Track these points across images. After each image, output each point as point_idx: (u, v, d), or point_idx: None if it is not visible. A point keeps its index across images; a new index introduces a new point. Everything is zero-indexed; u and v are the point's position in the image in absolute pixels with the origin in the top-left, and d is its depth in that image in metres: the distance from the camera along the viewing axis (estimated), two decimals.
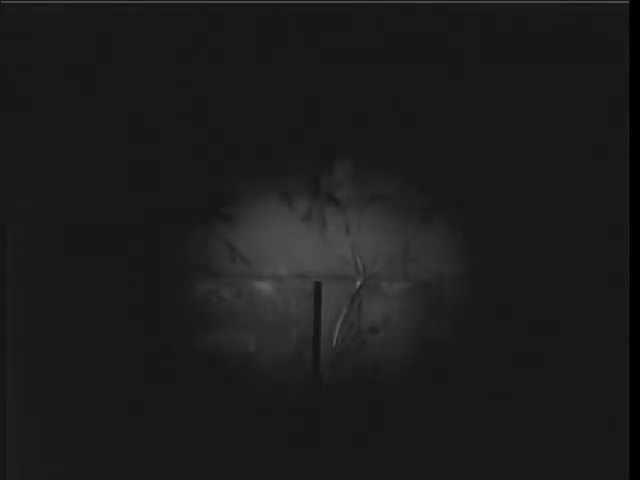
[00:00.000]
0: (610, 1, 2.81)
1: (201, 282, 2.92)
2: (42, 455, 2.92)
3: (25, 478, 2.92)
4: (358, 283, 2.91)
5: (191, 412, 2.91)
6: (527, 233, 2.91)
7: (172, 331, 2.92)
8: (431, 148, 2.93)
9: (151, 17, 2.89)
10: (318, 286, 2.91)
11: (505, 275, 2.92)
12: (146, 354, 2.92)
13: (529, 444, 2.90)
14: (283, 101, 2.92)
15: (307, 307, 2.91)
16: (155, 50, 2.91)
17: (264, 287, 2.91)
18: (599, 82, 2.88)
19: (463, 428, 2.91)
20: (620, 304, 2.84)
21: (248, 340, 2.91)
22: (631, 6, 2.66)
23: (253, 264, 2.91)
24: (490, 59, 2.91)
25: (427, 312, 2.91)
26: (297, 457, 2.91)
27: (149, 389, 2.92)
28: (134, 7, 2.87)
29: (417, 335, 2.91)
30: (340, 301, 2.91)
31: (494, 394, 2.90)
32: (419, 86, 2.92)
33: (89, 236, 2.91)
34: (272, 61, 2.92)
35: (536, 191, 2.91)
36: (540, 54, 2.89)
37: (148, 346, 2.92)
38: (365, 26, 2.89)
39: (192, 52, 2.91)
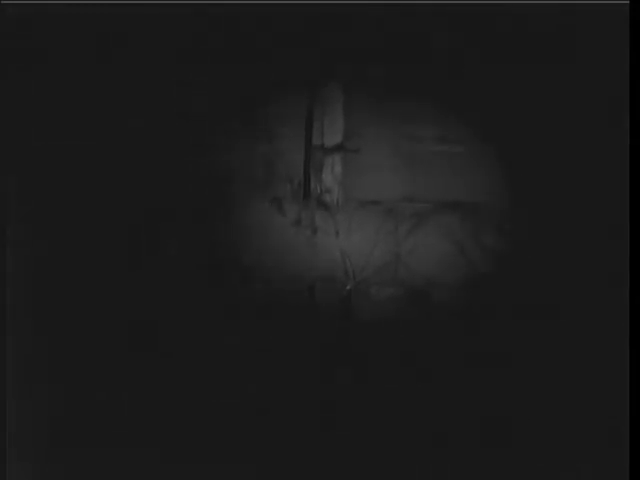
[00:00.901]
0: (610, 1, 2.81)
1: (197, 284, 2.92)
2: (42, 455, 2.93)
3: (25, 478, 2.92)
4: (348, 287, 2.91)
5: (193, 413, 2.92)
6: (524, 234, 2.91)
7: (172, 332, 2.92)
8: (426, 150, 2.93)
9: (151, 17, 2.88)
10: (310, 290, 2.91)
11: (499, 278, 2.91)
12: (146, 354, 2.92)
13: (528, 444, 2.90)
14: (281, 101, 2.92)
15: (299, 311, 2.91)
16: (155, 50, 2.91)
17: (256, 290, 2.91)
18: (599, 82, 2.88)
19: (461, 430, 2.91)
20: (620, 304, 2.84)
21: (244, 343, 2.92)
22: (631, 6, 2.66)
23: (246, 268, 2.91)
24: (490, 59, 2.90)
25: (418, 317, 2.91)
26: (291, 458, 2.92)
27: (149, 389, 2.92)
28: (134, 7, 2.86)
29: (408, 339, 2.91)
30: (331, 305, 2.91)
31: (491, 397, 2.90)
32: (420, 85, 2.92)
33: (89, 236, 2.91)
34: (272, 61, 2.92)
35: (535, 191, 2.91)
36: (540, 54, 2.89)
37: (148, 346, 2.92)
38: (365, 26, 2.89)
39: (192, 52, 2.91)
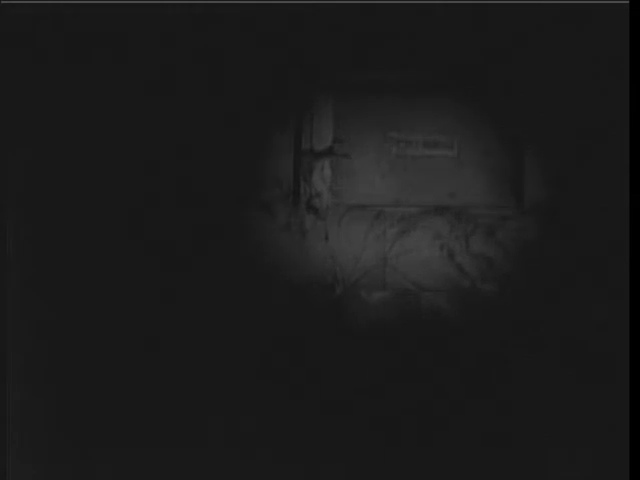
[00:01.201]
0: (610, 1, 2.81)
1: (189, 285, 2.92)
2: (42, 455, 2.93)
3: (25, 478, 2.92)
4: (338, 291, 2.91)
5: (193, 413, 2.92)
6: (513, 238, 2.91)
7: (169, 332, 2.93)
8: (414, 154, 2.93)
9: (151, 17, 2.89)
10: (299, 294, 2.91)
11: (487, 282, 2.91)
12: (146, 353, 2.92)
13: (528, 444, 2.90)
14: (271, 105, 2.92)
15: (289, 314, 2.91)
16: (155, 50, 2.91)
17: (246, 293, 2.92)
18: (599, 82, 2.87)
19: (454, 430, 2.91)
20: (618, 305, 2.84)
21: (235, 344, 2.92)
22: (631, 6, 2.66)
23: (235, 271, 2.91)
24: (489, 58, 2.90)
25: (405, 320, 2.91)
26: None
27: (150, 389, 2.92)
28: (134, 7, 2.87)
29: (397, 342, 2.92)
30: (321, 308, 2.91)
31: (482, 398, 2.90)
32: (408, 90, 2.93)
33: (89, 236, 2.92)
34: (263, 64, 2.92)
35: (526, 195, 2.91)
36: (540, 54, 2.89)
37: (149, 346, 2.92)
38: (355, 29, 2.89)
39: (192, 52, 2.91)
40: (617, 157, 2.85)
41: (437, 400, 2.91)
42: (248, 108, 2.91)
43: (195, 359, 2.93)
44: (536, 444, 2.90)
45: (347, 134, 2.93)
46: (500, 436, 2.91)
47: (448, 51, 2.89)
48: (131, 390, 2.92)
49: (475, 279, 2.90)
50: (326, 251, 2.91)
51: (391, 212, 2.91)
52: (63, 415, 2.93)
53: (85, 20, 2.88)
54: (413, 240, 2.91)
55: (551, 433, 2.90)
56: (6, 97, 2.89)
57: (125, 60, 2.91)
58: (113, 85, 2.91)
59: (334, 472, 2.91)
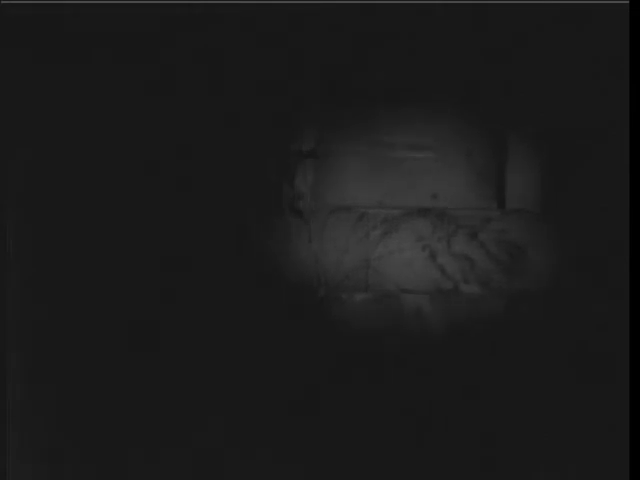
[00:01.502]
0: (610, 1, 2.81)
1: (189, 286, 2.93)
2: (42, 455, 2.93)
3: (25, 478, 2.92)
4: (321, 294, 2.91)
5: (192, 413, 2.92)
6: (497, 240, 2.91)
7: (161, 332, 2.93)
8: (397, 156, 2.93)
9: (151, 17, 2.89)
10: (282, 297, 2.91)
11: (468, 284, 2.92)
12: (146, 353, 2.93)
13: (526, 445, 2.90)
14: (254, 105, 2.92)
15: (271, 317, 2.91)
16: (155, 50, 2.91)
17: (229, 297, 2.92)
18: (598, 82, 2.87)
19: (451, 435, 2.91)
20: (620, 304, 2.84)
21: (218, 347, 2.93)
22: (631, 6, 2.66)
23: (218, 273, 2.91)
24: (489, 59, 2.90)
25: (388, 322, 2.91)
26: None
27: (151, 389, 2.93)
28: (134, 7, 2.87)
29: (379, 345, 2.92)
30: (304, 311, 2.91)
31: (466, 400, 2.90)
32: (391, 91, 2.92)
33: (89, 234, 2.92)
34: (246, 63, 2.92)
35: (531, 192, 2.91)
36: (539, 54, 2.89)
37: (149, 346, 2.93)
38: (340, 29, 2.89)
39: (192, 52, 2.91)
40: (617, 157, 2.85)
41: (432, 401, 2.91)
42: (248, 108, 2.91)
43: (193, 359, 2.93)
44: (535, 444, 2.90)
45: (330, 136, 2.93)
46: (498, 437, 2.91)
47: (445, 51, 2.89)
48: (131, 390, 2.93)
49: (458, 281, 2.90)
50: (310, 253, 2.91)
51: (374, 214, 2.92)
52: (63, 415, 2.93)
53: (85, 20, 2.88)
54: (396, 242, 2.91)
55: (550, 433, 2.90)
56: (6, 97, 2.89)
57: (125, 60, 2.91)
58: (113, 85, 2.91)
59: (331, 472, 2.92)
